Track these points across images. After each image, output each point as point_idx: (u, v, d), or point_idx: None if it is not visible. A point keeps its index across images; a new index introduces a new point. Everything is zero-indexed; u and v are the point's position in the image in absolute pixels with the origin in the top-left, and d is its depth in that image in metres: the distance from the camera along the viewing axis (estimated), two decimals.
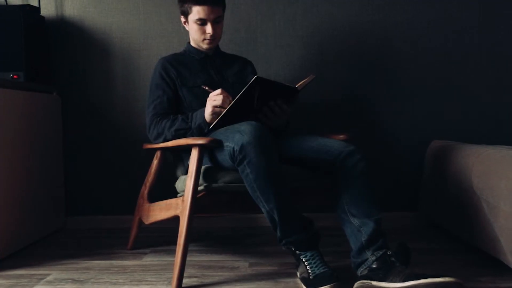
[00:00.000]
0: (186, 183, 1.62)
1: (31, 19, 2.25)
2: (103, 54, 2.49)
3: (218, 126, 1.70)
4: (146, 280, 1.68)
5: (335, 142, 1.70)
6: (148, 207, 1.96)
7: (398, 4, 2.46)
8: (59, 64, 2.49)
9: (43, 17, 2.39)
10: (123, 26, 2.48)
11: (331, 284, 1.48)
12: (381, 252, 1.50)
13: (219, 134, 1.66)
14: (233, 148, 1.52)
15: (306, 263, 1.59)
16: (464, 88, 2.48)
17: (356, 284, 1.47)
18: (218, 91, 1.69)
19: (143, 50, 2.48)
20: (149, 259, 1.94)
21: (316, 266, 1.56)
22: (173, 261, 1.90)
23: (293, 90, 1.72)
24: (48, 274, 1.76)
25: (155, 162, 2.05)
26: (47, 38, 2.45)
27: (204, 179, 1.65)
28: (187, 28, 2.00)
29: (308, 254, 1.60)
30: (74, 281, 1.68)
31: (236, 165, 1.54)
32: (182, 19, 1.98)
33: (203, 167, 1.67)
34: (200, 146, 1.60)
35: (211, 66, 2.01)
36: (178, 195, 1.82)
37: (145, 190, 2.04)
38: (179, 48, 2.40)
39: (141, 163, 2.46)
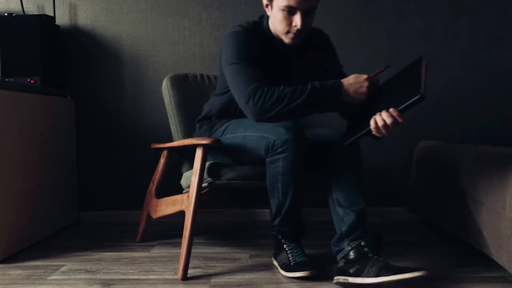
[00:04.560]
0: (191, 180, 1.62)
1: (47, 28, 2.26)
2: (114, 60, 2.49)
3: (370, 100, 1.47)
4: (154, 271, 1.68)
5: (333, 132, 1.65)
6: (155, 202, 1.96)
7: (388, 13, 2.46)
8: (72, 70, 2.49)
9: (58, 26, 2.39)
10: (132, 34, 2.48)
11: (310, 271, 1.52)
12: (356, 243, 1.49)
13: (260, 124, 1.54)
14: (274, 141, 1.47)
15: (288, 252, 1.61)
16: (451, 92, 2.48)
17: (335, 280, 1.49)
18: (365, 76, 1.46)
19: (151, 57, 2.48)
20: (157, 251, 1.94)
21: (297, 255, 1.59)
22: (179, 253, 1.90)
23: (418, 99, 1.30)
24: (63, 265, 1.76)
25: (162, 160, 2.05)
26: (62, 45, 2.45)
27: (208, 175, 1.65)
28: (268, 13, 1.59)
29: (292, 244, 1.62)
30: (87, 271, 1.68)
31: (269, 155, 1.51)
32: (265, 1, 1.57)
33: (207, 164, 1.67)
34: (204, 146, 1.60)
35: (291, 59, 1.66)
36: (184, 191, 1.82)
37: (152, 186, 2.04)
38: (184, 55, 2.40)
39: (148, 161, 2.46)
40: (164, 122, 2.47)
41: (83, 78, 2.50)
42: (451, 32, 2.47)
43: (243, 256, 1.85)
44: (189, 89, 2.08)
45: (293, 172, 1.50)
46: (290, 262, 1.58)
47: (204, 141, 1.59)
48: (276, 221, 1.60)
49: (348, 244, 1.51)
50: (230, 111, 1.75)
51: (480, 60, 2.47)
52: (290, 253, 1.60)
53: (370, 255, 1.46)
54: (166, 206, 1.84)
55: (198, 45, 2.47)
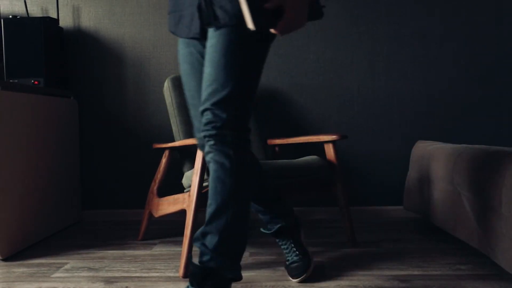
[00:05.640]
0: (192, 180, 1.62)
1: (51, 30, 2.26)
2: (116, 61, 2.50)
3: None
4: (156, 268, 1.69)
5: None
6: (157, 201, 1.96)
7: (383, 18, 2.46)
8: (76, 71, 2.50)
9: (61, 28, 2.40)
10: (134, 36, 2.49)
11: (303, 275, 1.50)
12: None
13: None
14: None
15: (284, 251, 1.58)
16: (448, 92, 2.49)
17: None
18: None
19: (153, 58, 2.49)
20: (158, 249, 1.95)
21: (290, 254, 1.56)
22: (180, 251, 1.90)
23: None
24: (66, 263, 1.77)
25: (163, 160, 2.05)
26: (65, 47, 2.45)
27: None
28: None
29: (284, 241, 1.58)
30: (90, 269, 1.69)
31: None
32: None
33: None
34: None
35: None
36: (185, 190, 1.83)
37: (154, 186, 2.05)
38: None
39: (150, 161, 2.47)
40: (165, 123, 2.47)
41: (86, 79, 2.50)
42: (448, 33, 2.47)
43: (243, 254, 1.86)
44: None
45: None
46: (287, 263, 1.56)
47: None
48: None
49: None
50: None
51: (476, 60, 2.48)
52: (285, 252, 1.58)
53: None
54: (168, 205, 1.84)
55: None
